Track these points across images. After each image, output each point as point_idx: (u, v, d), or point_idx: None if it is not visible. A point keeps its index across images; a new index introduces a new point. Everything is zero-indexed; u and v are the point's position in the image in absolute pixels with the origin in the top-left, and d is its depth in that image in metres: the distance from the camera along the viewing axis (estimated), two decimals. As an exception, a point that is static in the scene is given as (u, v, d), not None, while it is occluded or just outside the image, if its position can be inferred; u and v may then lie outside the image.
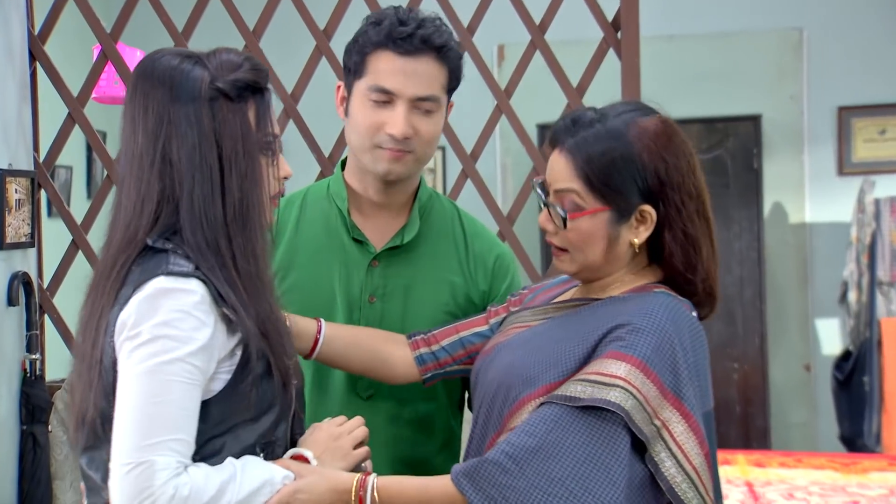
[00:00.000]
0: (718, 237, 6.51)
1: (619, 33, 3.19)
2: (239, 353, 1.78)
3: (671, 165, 1.91)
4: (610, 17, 3.23)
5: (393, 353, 2.29)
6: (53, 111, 3.47)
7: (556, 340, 1.93)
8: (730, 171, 6.67)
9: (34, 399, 3.24)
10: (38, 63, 3.34)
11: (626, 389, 1.80)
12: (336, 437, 1.95)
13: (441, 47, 2.26)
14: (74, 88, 3.34)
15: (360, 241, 2.37)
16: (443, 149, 6.48)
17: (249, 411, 1.80)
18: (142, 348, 1.70)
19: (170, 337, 1.70)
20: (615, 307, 1.92)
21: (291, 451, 1.90)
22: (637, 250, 1.96)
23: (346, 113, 2.34)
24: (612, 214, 1.93)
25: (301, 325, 2.24)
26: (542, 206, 1.99)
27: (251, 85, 1.82)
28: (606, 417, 1.80)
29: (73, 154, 6.01)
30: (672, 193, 1.90)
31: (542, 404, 1.85)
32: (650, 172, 1.90)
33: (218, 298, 1.75)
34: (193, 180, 1.77)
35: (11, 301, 3.17)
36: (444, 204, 2.49)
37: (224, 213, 1.78)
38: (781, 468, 5.26)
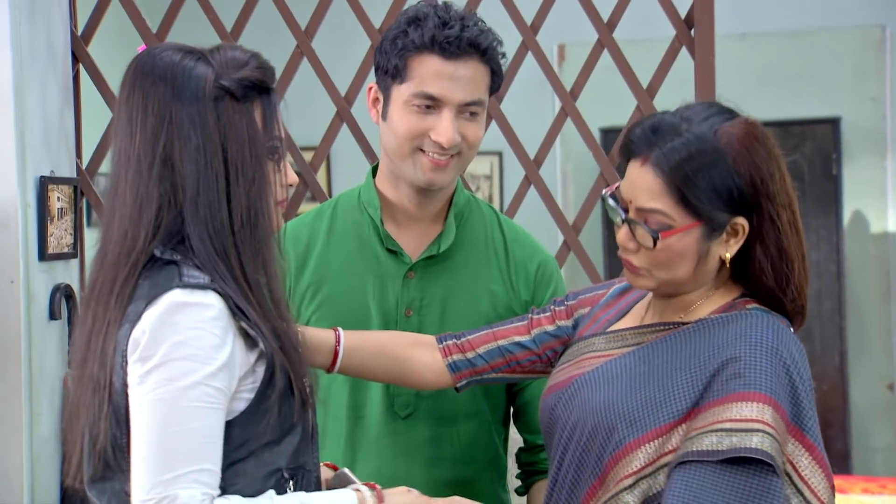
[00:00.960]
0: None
1: (693, 30, 3.15)
2: (261, 369, 1.74)
3: (765, 173, 1.85)
4: (682, 14, 3.18)
5: (421, 359, 2.23)
6: (97, 115, 3.46)
7: (657, 378, 1.87)
8: (806, 177, 6.58)
9: (76, 417, 3.22)
10: (81, 65, 3.35)
11: (766, 432, 1.74)
12: None
13: (487, 48, 2.25)
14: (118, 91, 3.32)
15: (394, 252, 2.35)
16: (499, 154, 6.43)
17: (272, 432, 1.76)
18: (157, 372, 1.65)
19: (187, 358, 1.66)
20: (715, 333, 1.86)
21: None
22: (728, 265, 1.91)
23: (383, 117, 2.31)
24: (704, 230, 1.87)
25: (318, 337, 2.18)
26: (622, 222, 1.92)
27: (258, 84, 1.78)
28: (754, 467, 1.73)
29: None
30: (766, 203, 1.85)
31: (677, 465, 1.77)
32: (745, 181, 1.84)
33: (236, 311, 1.72)
34: (198, 185, 1.73)
35: (53, 315, 3.16)
36: (482, 209, 2.46)
37: (231, 221, 1.74)
38: (865, 494, 5.17)
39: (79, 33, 3.33)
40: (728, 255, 1.89)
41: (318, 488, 1.86)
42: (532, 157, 3.25)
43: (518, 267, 2.41)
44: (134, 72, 1.78)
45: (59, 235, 3.19)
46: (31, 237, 3.08)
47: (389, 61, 2.27)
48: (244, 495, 1.72)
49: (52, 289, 3.18)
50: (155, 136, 1.72)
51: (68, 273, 3.28)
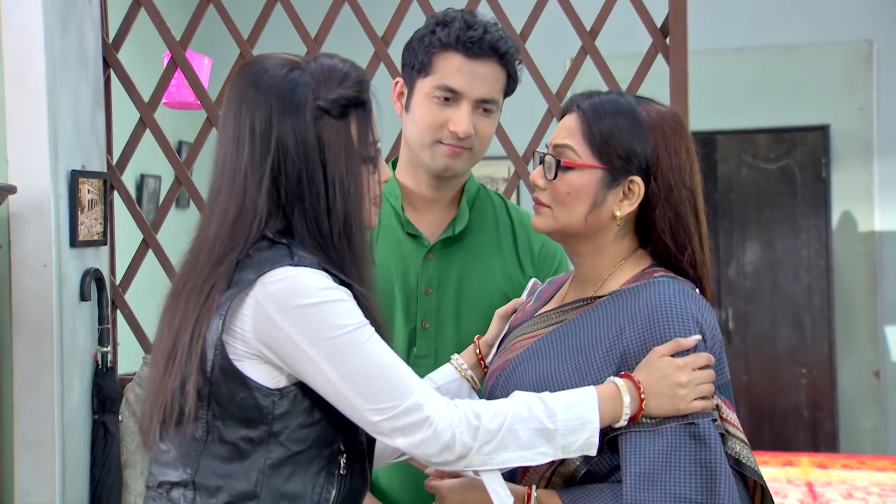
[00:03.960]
0: (786, 245, 6.38)
1: (668, 38, 3.12)
2: None
3: (672, 148, 1.86)
4: (658, 24, 3.15)
5: None
6: (126, 116, 3.47)
7: (581, 348, 1.85)
8: (798, 180, 6.53)
9: (105, 390, 3.24)
10: (111, 70, 3.35)
11: None
12: (664, 377, 1.76)
13: (505, 53, 2.27)
14: (146, 94, 3.34)
15: (414, 236, 2.36)
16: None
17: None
18: (317, 320, 1.65)
19: (336, 301, 1.66)
20: (627, 301, 1.84)
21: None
22: (619, 224, 1.89)
23: (406, 108, 2.33)
24: (604, 175, 1.86)
25: None
26: (539, 162, 1.94)
27: (354, 100, 1.74)
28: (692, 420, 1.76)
29: (162, 163, 6.05)
30: (667, 173, 1.85)
31: (626, 433, 1.77)
32: (650, 145, 1.85)
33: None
34: (303, 201, 1.70)
35: (84, 296, 3.17)
36: (491, 196, 2.48)
37: (331, 233, 1.72)
38: (844, 470, 5.11)
39: (109, 41, 3.35)
40: (619, 214, 1.87)
41: (365, 466, 1.83)
42: (521, 154, 3.23)
43: (523, 246, 2.42)
44: (244, 84, 1.74)
45: (90, 224, 3.20)
46: (62, 225, 3.10)
47: (416, 57, 2.29)
48: (298, 465, 1.71)
49: (82, 273, 3.19)
50: (263, 154, 1.70)
51: (98, 259, 3.29)
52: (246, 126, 1.71)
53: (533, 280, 2.20)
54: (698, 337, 1.77)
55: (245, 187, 1.71)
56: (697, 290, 1.88)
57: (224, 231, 1.71)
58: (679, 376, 1.74)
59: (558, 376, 1.85)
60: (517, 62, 2.32)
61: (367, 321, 1.68)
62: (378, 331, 1.71)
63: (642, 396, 1.73)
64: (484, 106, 2.27)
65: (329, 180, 1.71)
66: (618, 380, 1.75)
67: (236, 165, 1.72)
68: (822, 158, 6.50)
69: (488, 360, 2.10)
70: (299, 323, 1.65)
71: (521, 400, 1.73)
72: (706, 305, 1.84)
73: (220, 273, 1.69)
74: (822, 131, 6.48)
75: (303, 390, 1.70)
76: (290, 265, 1.67)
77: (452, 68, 2.25)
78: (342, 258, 1.72)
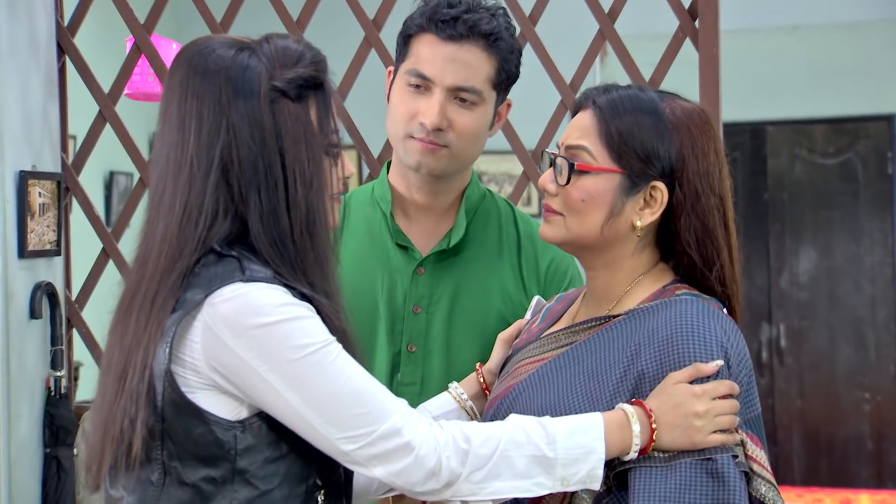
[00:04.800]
0: (847, 252, 6.32)
1: (697, 21, 3.08)
2: None
3: (699, 149, 1.86)
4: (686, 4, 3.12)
5: None
6: (84, 109, 3.46)
7: (592, 373, 1.84)
8: (860, 177, 6.53)
9: (59, 420, 3.22)
10: (66, 57, 3.33)
11: None
12: (679, 406, 1.75)
13: (489, 34, 2.22)
14: (106, 84, 3.33)
15: (404, 247, 2.35)
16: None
17: None
18: (275, 341, 1.64)
19: (296, 318, 1.65)
20: (645, 322, 1.82)
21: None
22: (639, 235, 1.88)
23: (389, 99, 2.34)
24: (623, 180, 1.85)
25: None
26: (549, 164, 1.92)
27: (312, 81, 1.73)
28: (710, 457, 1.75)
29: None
30: (694, 179, 1.85)
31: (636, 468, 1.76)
32: (675, 147, 1.85)
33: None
34: (259, 193, 1.70)
35: (34, 313, 3.15)
36: (498, 204, 2.45)
37: (291, 229, 1.71)
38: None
39: (64, 24, 3.33)
40: (639, 224, 1.87)
41: (346, 502, 1.84)
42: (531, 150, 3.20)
43: (529, 264, 2.40)
44: (186, 69, 1.74)
45: (41, 232, 3.18)
46: (9, 234, 3.08)
47: (397, 42, 2.30)
48: (275, 500, 1.70)
49: (32, 287, 3.17)
50: (210, 142, 1.70)
51: (51, 271, 3.27)
52: (192, 113, 1.71)
53: (537, 297, 2.18)
54: (720, 362, 1.75)
55: (191, 181, 1.70)
56: (725, 310, 1.87)
57: (171, 232, 1.71)
58: (696, 405, 1.72)
59: (567, 404, 1.84)
60: (513, 49, 2.27)
61: (332, 338, 1.68)
62: (348, 348, 1.71)
63: (654, 426, 1.73)
64: (461, 95, 2.23)
65: (288, 169, 1.71)
66: (627, 407, 1.75)
67: (181, 158, 1.71)
68: (888, 152, 6.50)
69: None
70: (255, 346, 1.64)
71: (517, 423, 1.73)
72: (734, 328, 1.83)
73: (168, 286, 1.68)
74: (888, 121, 6.48)
75: (267, 421, 1.69)
76: (242, 281, 1.66)
77: (425, 52, 2.24)
78: (303, 258, 1.72)
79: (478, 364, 2.13)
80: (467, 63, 2.22)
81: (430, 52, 2.23)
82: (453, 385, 2.12)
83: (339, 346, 1.68)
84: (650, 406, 1.74)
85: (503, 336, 2.14)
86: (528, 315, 2.15)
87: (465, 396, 2.09)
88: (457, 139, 2.25)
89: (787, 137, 6.57)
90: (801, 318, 6.56)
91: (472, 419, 2.07)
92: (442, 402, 2.10)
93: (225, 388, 1.67)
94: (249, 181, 1.69)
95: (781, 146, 6.57)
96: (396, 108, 2.27)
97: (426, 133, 2.22)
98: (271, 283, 1.67)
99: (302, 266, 1.72)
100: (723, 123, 3.22)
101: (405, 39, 2.27)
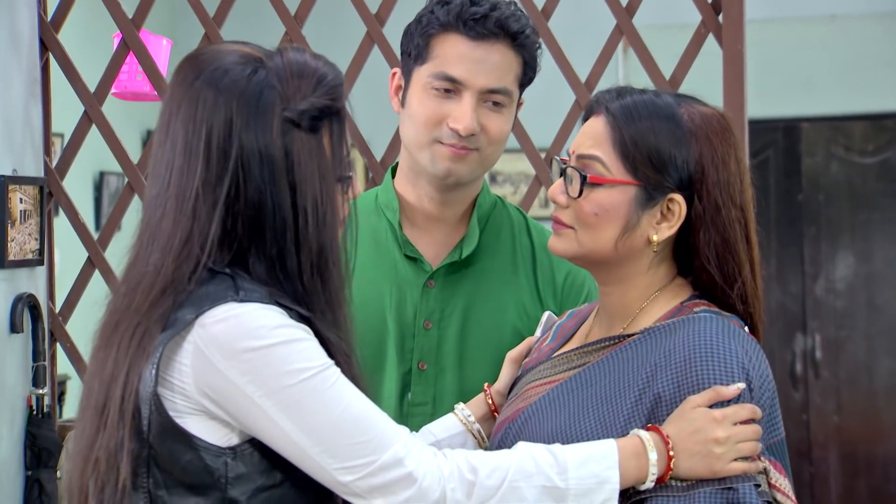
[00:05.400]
0: (887, 257, 6.30)
1: (720, 15, 3.09)
2: None
3: (719, 158, 1.86)
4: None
5: None
6: (68, 109, 3.49)
7: (605, 397, 1.85)
8: (902, 177, 6.48)
9: (41, 440, 3.23)
10: (50, 54, 3.35)
11: None
12: (698, 432, 1.76)
13: (518, 33, 2.25)
14: (92, 82, 3.34)
15: (413, 259, 2.35)
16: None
17: None
18: (269, 365, 1.64)
19: (292, 341, 1.66)
20: (661, 342, 1.83)
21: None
22: (655, 250, 1.89)
23: (403, 104, 2.33)
24: (640, 193, 1.86)
25: None
26: (560, 175, 1.93)
27: (328, 110, 1.73)
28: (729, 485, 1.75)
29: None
30: (714, 190, 1.85)
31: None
32: (694, 156, 1.85)
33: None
34: (263, 233, 1.70)
35: (15, 327, 3.16)
36: (510, 213, 2.46)
37: (299, 271, 1.72)
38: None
39: (48, 19, 3.34)
40: (655, 238, 1.87)
41: None
42: (544, 155, 3.22)
43: (545, 276, 2.41)
44: (195, 84, 1.73)
45: (22, 241, 3.20)
46: (-12, 242, 3.09)
47: (412, 41, 2.29)
48: None
49: (13, 299, 3.18)
50: (219, 174, 1.69)
51: (33, 282, 3.29)
52: (202, 136, 1.70)
53: (547, 313, 2.19)
54: (741, 385, 1.76)
55: (195, 213, 1.70)
56: (747, 329, 1.88)
57: (167, 263, 1.70)
58: (716, 431, 1.73)
59: (579, 430, 1.84)
60: (536, 46, 2.30)
61: (331, 362, 1.69)
62: (350, 372, 1.72)
63: (671, 454, 1.73)
64: (492, 98, 2.25)
65: (299, 207, 1.70)
66: (643, 433, 1.75)
67: (185, 185, 1.70)
68: (932, 150, 6.47)
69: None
70: (248, 370, 1.64)
71: (526, 452, 1.74)
72: (756, 348, 1.84)
73: (155, 318, 1.68)
74: (932, 117, 6.44)
75: (260, 448, 1.70)
76: (235, 301, 1.66)
77: (453, 53, 2.24)
78: (313, 300, 1.73)
79: (486, 384, 2.14)
80: (498, 63, 2.24)
81: (457, 53, 2.23)
82: (459, 406, 2.13)
83: (338, 370, 1.69)
84: (667, 432, 1.74)
85: (512, 355, 2.15)
86: (538, 332, 2.16)
87: (472, 419, 2.10)
88: (488, 143, 2.26)
89: (822, 135, 6.54)
90: (839, 328, 6.53)
91: (479, 443, 2.08)
92: (447, 424, 2.11)
93: (215, 414, 1.68)
94: (253, 220, 1.70)
95: (817, 144, 6.55)
96: (419, 113, 2.26)
97: (458, 139, 2.23)
98: (267, 303, 1.67)
99: (309, 307, 1.72)
100: (753, 120, 3.24)
101: (425, 40, 2.26)
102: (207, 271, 1.70)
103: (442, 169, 2.27)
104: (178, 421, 1.68)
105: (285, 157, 1.70)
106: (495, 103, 2.25)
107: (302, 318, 1.70)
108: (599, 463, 1.72)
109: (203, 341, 1.66)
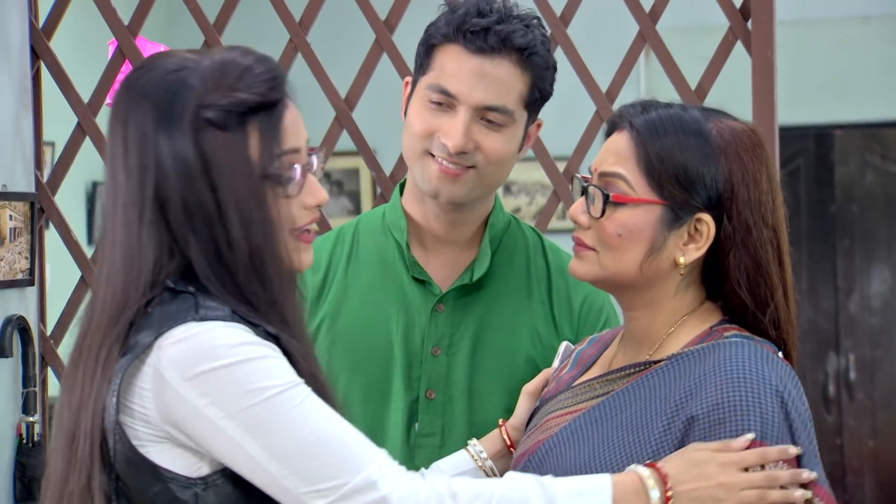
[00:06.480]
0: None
1: (749, 22, 3.08)
2: None
3: (750, 176, 1.85)
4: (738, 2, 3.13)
5: None
6: (61, 120, 3.49)
7: (631, 428, 1.85)
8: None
9: (31, 471, 3.22)
10: (41, 62, 3.34)
11: None
12: (701, 477, 1.75)
13: (524, 48, 2.22)
14: (86, 92, 3.32)
15: (421, 281, 2.34)
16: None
17: None
18: (230, 385, 1.63)
19: (255, 358, 1.64)
20: (690, 369, 1.83)
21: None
22: (682, 272, 1.88)
23: (404, 115, 2.33)
24: (666, 213, 1.86)
25: None
26: (581, 193, 1.92)
27: (253, 106, 1.71)
28: None
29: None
30: (744, 210, 1.85)
31: None
32: (723, 174, 1.85)
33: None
34: (195, 233, 1.69)
35: (4, 351, 3.14)
36: (525, 233, 2.45)
37: (235, 270, 1.70)
38: None
39: (39, 26, 3.33)
40: (683, 261, 1.87)
41: None
42: (563, 168, 3.20)
43: (561, 300, 2.40)
44: (120, 91, 1.74)
45: (12, 260, 3.17)
46: (-25, 262, 3.08)
47: (418, 50, 2.30)
48: None
49: (2, 322, 3.16)
50: (140, 179, 1.69)
51: (23, 303, 3.27)
52: (119, 146, 1.71)
53: (565, 343, 2.18)
54: (750, 436, 1.74)
55: (126, 222, 1.70)
56: (780, 354, 1.87)
57: (115, 279, 1.70)
58: (720, 476, 1.72)
59: (605, 461, 1.83)
60: (548, 65, 2.27)
61: (299, 381, 1.67)
62: (322, 392, 1.70)
63: (669, 494, 1.72)
64: (488, 115, 2.22)
65: (222, 207, 1.69)
66: (642, 469, 1.74)
67: (115, 196, 1.72)
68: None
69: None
70: (208, 391, 1.63)
71: (514, 482, 1.73)
72: (791, 374, 1.83)
73: (114, 336, 1.68)
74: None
75: (232, 478, 1.69)
76: (195, 321, 1.65)
77: (451, 66, 2.23)
78: (256, 301, 1.71)
79: (500, 420, 2.13)
80: (498, 79, 2.21)
81: (455, 66, 2.22)
82: (472, 443, 2.11)
83: (308, 388, 1.67)
84: (667, 470, 1.73)
85: (528, 388, 2.13)
86: (555, 363, 2.14)
87: (484, 455, 2.09)
88: (486, 162, 2.24)
89: (856, 142, 6.57)
90: (874, 346, 6.55)
91: None
92: (457, 461, 2.09)
93: (180, 441, 1.67)
94: (184, 220, 1.69)
95: (851, 152, 6.57)
96: (413, 124, 2.26)
97: (447, 154, 2.21)
98: (229, 321, 1.67)
99: (255, 309, 1.71)
100: (783, 127, 3.22)
101: (427, 49, 2.26)
102: (169, 291, 1.69)
103: (430, 188, 2.26)
104: (142, 451, 1.67)
105: (200, 157, 1.68)
106: (493, 122, 2.23)
107: (269, 336, 1.69)
108: (591, 497, 1.71)
109: (162, 364, 1.65)
